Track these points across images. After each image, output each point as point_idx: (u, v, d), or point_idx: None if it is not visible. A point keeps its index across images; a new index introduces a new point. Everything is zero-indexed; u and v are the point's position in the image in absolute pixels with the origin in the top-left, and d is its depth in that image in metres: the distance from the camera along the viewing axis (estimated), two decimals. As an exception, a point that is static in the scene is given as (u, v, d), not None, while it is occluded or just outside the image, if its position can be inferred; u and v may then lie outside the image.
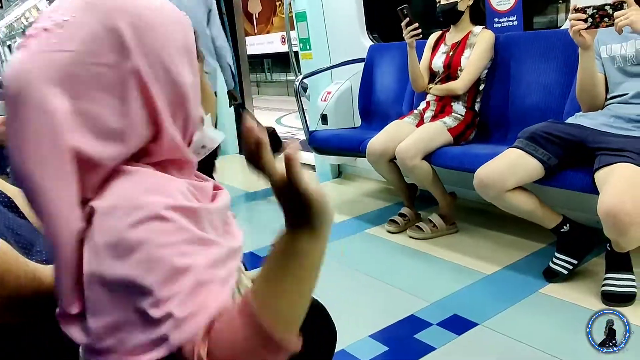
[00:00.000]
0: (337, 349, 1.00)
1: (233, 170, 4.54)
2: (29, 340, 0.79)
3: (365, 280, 2.12)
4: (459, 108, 2.50)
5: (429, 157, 2.37)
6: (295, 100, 3.20)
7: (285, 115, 7.94)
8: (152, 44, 0.56)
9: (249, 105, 5.07)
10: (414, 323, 1.76)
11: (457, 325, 1.73)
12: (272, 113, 8.31)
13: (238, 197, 3.45)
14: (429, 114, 2.58)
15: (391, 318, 1.80)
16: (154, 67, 0.56)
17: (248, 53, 5.17)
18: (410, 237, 2.48)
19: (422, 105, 2.65)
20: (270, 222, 2.91)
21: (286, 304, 0.53)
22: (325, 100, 3.39)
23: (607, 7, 1.71)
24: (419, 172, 2.38)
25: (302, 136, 3.15)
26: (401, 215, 2.61)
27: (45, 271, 0.76)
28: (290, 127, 6.74)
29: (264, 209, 3.22)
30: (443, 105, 2.54)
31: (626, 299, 1.75)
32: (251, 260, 2.38)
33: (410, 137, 2.38)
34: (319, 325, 0.96)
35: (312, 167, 3.90)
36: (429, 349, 1.61)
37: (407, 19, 2.44)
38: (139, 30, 0.55)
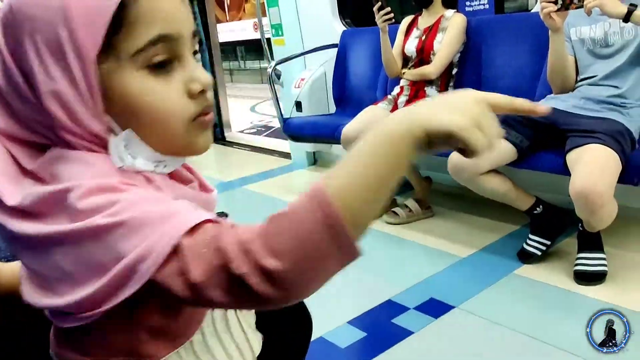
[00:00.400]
0: (315, 337, 0.99)
1: (207, 159, 4.50)
2: (29, 340, 0.76)
3: (342, 266, 2.11)
4: (432, 92, 2.50)
5: (403, 142, 2.36)
6: (269, 88, 3.16)
7: (259, 103, 7.88)
8: (14, 37, 0.52)
9: (222, 94, 5.00)
10: (392, 308, 1.77)
11: (434, 308, 1.74)
12: (246, 101, 8.23)
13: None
14: (402, 98, 2.57)
15: (369, 304, 1.80)
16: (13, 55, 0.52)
17: (220, 40, 5.09)
18: (387, 222, 2.49)
19: (396, 90, 2.64)
20: (245, 211, 2.90)
21: (361, 201, 0.46)
22: (299, 87, 3.36)
23: (576, -10, 1.72)
24: (393, 158, 2.37)
25: (277, 124, 3.12)
26: (377, 201, 2.61)
27: (3, 269, 0.73)
28: (264, 115, 6.68)
29: (240, 199, 3.19)
30: (416, 90, 2.54)
31: (598, 277, 1.78)
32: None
33: (385, 122, 2.38)
34: (294, 316, 0.95)
35: (288, 155, 3.87)
36: (407, 333, 1.62)
37: (379, 3, 2.42)
38: (12, 21, 0.51)
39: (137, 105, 0.53)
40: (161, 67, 0.53)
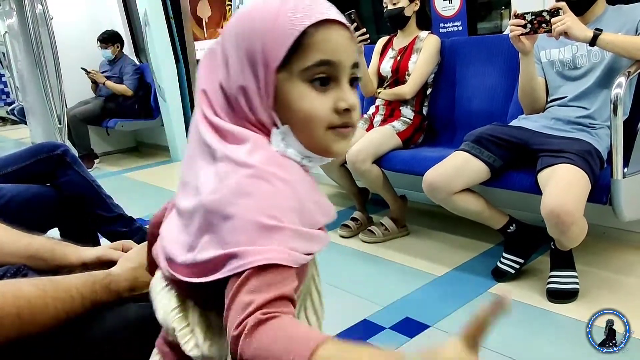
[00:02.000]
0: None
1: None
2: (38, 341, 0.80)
3: (318, 286, 2.10)
4: (407, 112, 2.53)
5: (379, 161, 2.38)
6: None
7: (237, 121, 7.86)
8: (226, 45, 0.69)
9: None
10: (367, 328, 1.76)
11: (409, 328, 1.74)
12: (224, 118, 8.20)
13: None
14: (378, 118, 2.60)
15: (344, 323, 1.79)
16: (227, 59, 0.69)
17: (198, 58, 5.08)
18: (363, 240, 2.49)
19: (372, 109, 2.67)
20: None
21: None
22: (276, 106, 3.36)
23: (544, 14, 1.77)
24: (369, 176, 2.39)
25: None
26: (353, 219, 2.62)
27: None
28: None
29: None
30: (392, 110, 2.56)
31: (570, 295, 1.80)
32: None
33: (361, 141, 2.39)
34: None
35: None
36: (382, 353, 1.60)
37: (355, 24, 2.44)
38: (231, 34, 0.70)
39: (294, 107, 0.67)
40: (320, 84, 0.67)
